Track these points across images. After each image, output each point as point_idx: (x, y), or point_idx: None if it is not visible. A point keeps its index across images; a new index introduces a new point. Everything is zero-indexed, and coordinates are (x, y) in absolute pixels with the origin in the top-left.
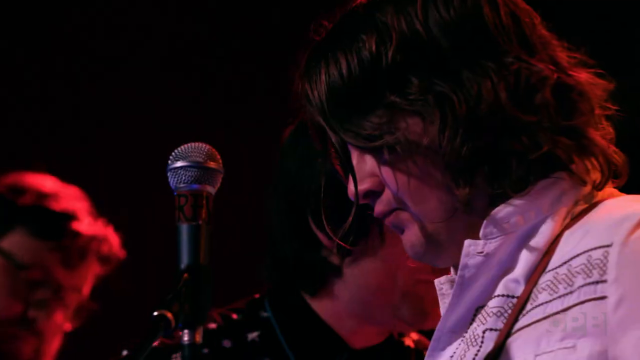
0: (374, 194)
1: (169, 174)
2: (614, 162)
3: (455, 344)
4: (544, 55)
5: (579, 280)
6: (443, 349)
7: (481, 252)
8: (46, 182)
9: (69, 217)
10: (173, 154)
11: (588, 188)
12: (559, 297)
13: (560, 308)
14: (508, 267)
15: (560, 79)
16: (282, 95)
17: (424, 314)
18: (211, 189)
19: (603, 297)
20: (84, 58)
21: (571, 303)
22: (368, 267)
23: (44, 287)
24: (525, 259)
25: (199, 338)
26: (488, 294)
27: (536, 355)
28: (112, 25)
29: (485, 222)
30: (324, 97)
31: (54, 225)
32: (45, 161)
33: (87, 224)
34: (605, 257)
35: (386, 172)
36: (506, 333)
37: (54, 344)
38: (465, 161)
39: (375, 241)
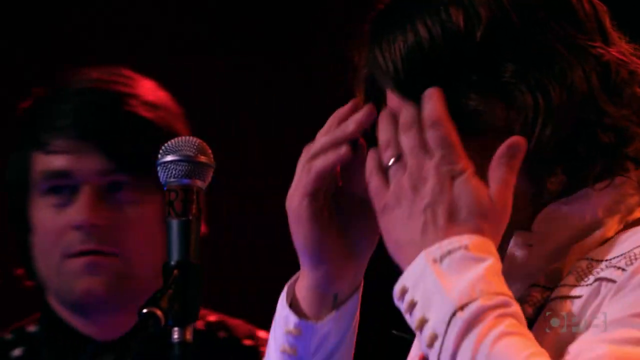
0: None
1: (158, 169)
2: None
3: None
4: (620, 47)
5: (608, 268)
6: None
7: (529, 244)
8: None
9: None
10: (163, 147)
11: None
12: (586, 285)
13: (577, 293)
14: (554, 259)
15: None
16: (281, 96)
17: (72, 292)
18: (201, 184)
19: (614, 281)
20: (84, 58)
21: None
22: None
23: None
24: (571, 256)
25: (189, 336)
26: (527, 284)
27: (545, 333)
28: (112, 25)
29: (539, 215)
30: (400, 64)
31: None
32: None
33: None
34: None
35: None
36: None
37: None
38: (552, 152)
39: None
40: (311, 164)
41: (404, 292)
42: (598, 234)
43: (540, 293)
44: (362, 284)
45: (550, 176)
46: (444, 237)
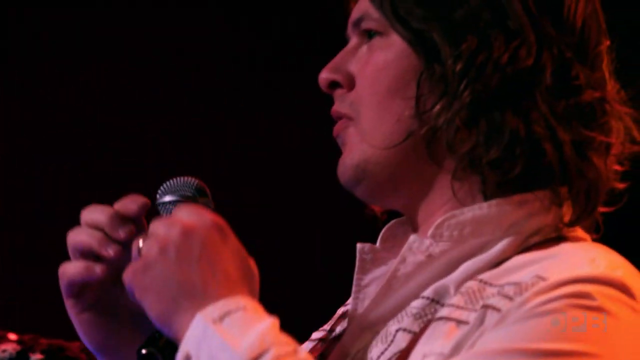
0: (340, 88)
1: (159, 208)
2: (599, 206)
3: (366, 339)
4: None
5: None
6: (352, 343)
7: (425, 252)
8: None
9: None
10: (161, 188)
11: (552, 218)
12: (474, 310)
13: (464, 319)
14: (446, 273)
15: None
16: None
17: None
18: None
19: (499, 310)
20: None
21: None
22: None
23: None
24: (463, 271)
25: None
26: (417, 295)
27: (424, 356)
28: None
29: (438, 222)
30: None
31: None
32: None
33: None
34: (532, 285)
35: (373, 66)
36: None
37: None
38: (477, 108)
39: None
40: (64, 269)
41: (187, 358)
42: (493, 253)
43: (427, 307)
44: None
45: (462, 172)
46: (216, 300)
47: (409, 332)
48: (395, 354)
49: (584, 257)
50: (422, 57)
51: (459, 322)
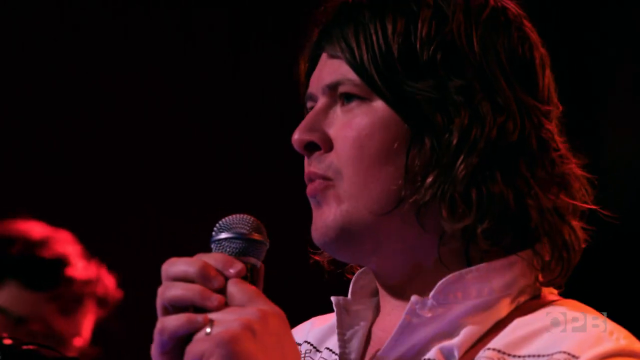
0: (316, 149)
1: (212, 246)
2: (573, 264)
3: None
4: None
5: None
6: None
7: (427, 314)
8: (34, 229)
9: (61, 263)
10: (217, 225)
11: (533, 278)
12: None
13: None
14: (448, 332)
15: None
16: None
17: None
18: (255, 261)
19: None
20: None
21: None
22: None
23: (44, 338)
24: (467, 333)
25: None
26: (419, 354)
27: None
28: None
29: (440, 284)
30: (371, 53)
31: (46, 275)
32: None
33: (80, 268)
34: None
35: (356, 131)
36: None
37: None
38: (470, 180)
39: None
40: (164, 324)
41: None
42: (492, 313)
43: None
44: None
45: (448, 238)
46: None
47: None
48: None
49: (599, 328)
50: (411, 126)
51: None
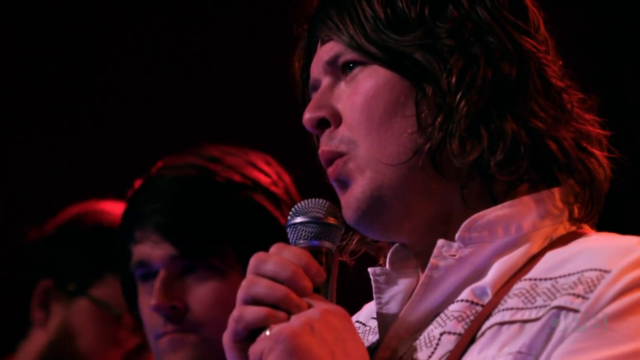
0: (327, 126)
1: (288, 230)
2: (603, 193)
3: (406, 345)
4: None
5: (561, 293)
6: (394, 349)
7: (454, 256)
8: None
9: None
10: (293, 209)
11: (565, 214)
12: (535, 307)
13: (533, 317)
14: (478, 274)
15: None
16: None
17: None
18: (330, 245)
19: (576, 311)
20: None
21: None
22: None
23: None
24: (497, 270)
25: None
26: (451, 299)
27: (494, 358)
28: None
29: (464, 225)
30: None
31: None
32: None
33: None
34: (598, 280)
35: (363, 95)
36: (470, 339)
37: None
38: (476, 117)
39: None
40: (242, 314)
41: None
42: (523, 250)
43: (468, 309)
44: None
45: (468, 180)
46: None
47: (455, 334)
48: (443, 355)
49: (628, 241)
50: (411, 79)
51: (524, 321)
